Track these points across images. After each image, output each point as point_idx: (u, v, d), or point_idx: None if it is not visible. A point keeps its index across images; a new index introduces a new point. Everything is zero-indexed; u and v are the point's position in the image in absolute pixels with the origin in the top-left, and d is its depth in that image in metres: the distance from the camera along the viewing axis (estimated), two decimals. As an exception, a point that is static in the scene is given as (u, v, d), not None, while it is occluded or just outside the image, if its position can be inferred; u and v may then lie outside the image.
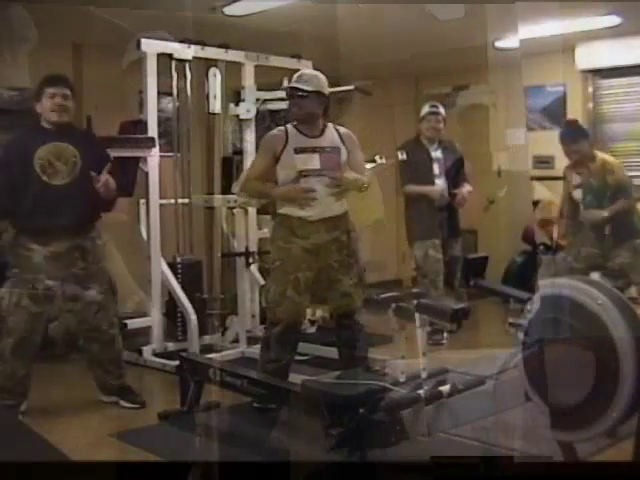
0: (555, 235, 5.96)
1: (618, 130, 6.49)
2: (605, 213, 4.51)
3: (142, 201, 4.88)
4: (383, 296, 3.03)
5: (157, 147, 4.75)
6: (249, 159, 5.09)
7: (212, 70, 5.03)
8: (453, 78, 7.26)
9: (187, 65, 4.94)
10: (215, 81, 5.04)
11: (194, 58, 4.91)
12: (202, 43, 4.90)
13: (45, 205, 3.66)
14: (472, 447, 3.09)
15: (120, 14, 4.44)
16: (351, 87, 5.09)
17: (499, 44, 5.85)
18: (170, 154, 5.13)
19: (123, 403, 3.93)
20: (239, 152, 5.29)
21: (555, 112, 6.80)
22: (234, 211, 5.02)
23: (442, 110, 5.28)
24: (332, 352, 4.35)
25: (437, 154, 5.26)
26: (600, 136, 6.53)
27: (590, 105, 6.64)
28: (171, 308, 4.95)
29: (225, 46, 5.00)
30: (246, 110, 5.04)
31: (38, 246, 3.70)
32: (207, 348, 4.89)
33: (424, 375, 2.88)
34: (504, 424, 3.13)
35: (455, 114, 6.61)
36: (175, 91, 5.00)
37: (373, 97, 5.41)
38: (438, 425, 2.85)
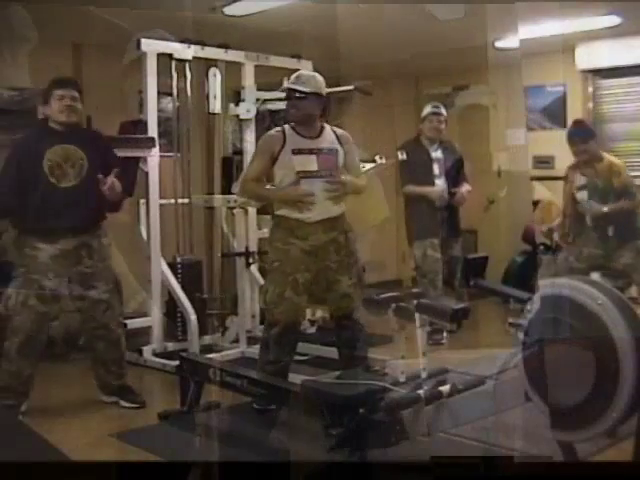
0: (555, 236, 5.96)
1: (618, 130, 6.49)
2: (605, 209, 4.50)
3: (142, 201, 4.88)
4: (383, 296, 3.03)
5: (157, 147, 4.75)
6: (249, 159, 5.09)
7: (212, 70, 5.03)
8: (453, 78, 7.26)
9: (187, 65, 4.94)
10: (215, 81, 5.04)
11: (194, 58, 4.91)
12: (202, 43, 4.90)
13: (52, 207, 3.70)
14: (472, 447, 3.09)
15: (120, 14, 4.44)
16: (351, 87, 5.09)
17: (499, 44, 5.85)
18: (170, 154, 5.13)
19: (123, 403, 3.93)
20: (239, 152, 5.29)
21: (555, 112, 6.80)
22: (234, 211, 5.02)
23: (444, 110, 5.29)
24: (332, 352, 4.35)
25: (437, 154, 5.26)
26: (600, 136, 6.52)
27: (590, 105, 6.64)
28: (171, 308, 4.95)
29: (225, 46, 5.00)
30: (246, 110, 5.04)
31: (45, 245, 3.72)
32: (207, 348, 4.89)
33: (424, 375, 2.88)
34: (504, 424, 3.13)
35: (455, 114, 6.61)
36: (175, 91, 5.00)
37: (373, 97, 5.41)
38: (438, 425, 2.85)
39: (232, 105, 5.11)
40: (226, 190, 5.14)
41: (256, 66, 5.13)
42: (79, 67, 5.60)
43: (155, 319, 4.85)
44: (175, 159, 5.14)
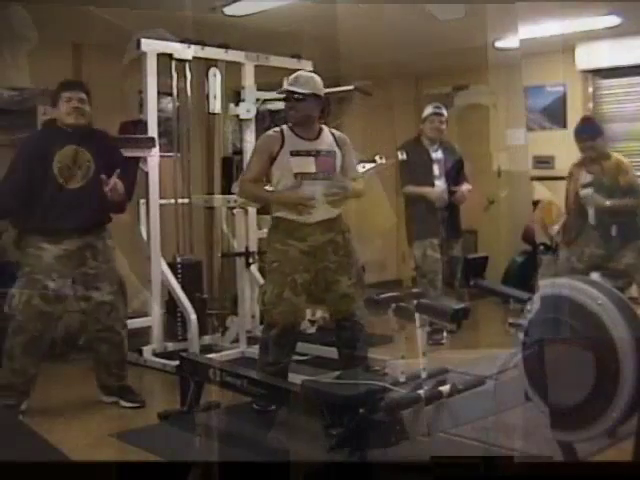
0: (559, 237, 5.96)
1: (618, 130, 6.48)
2: (608, 202, 4.49)
3: (142, 201, 4.88)
4: (383, 296, 3.03)
5: (157, 147, 4.75)
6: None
7: (212, 70, 5.03)
8: (453, 78, 7.26)
9: (187, 65, 4.94)
10: (215, 81, 5.04)
11: (194, 58, 4.91)
12: (202, 43, 4.90)
13: (59, 207, 3.71)
14: (472, 447, 3.09)
15: (120, 14, 4.44)
16: (351, 87, 5.09)
17: (499, 44, 5.85)
18: (170, 154, 5.13)
19: (123, 403, 3.94)
20: (239, 152, 5.29)
21: (555, 112, 6.80)
22: (234, 211, 5.02)
23: (445, 111, 5.29)
24: (332, 352, 4.35)
25: (437, 155, 5.26)
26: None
27: (590, 105, 6.64)
28: (171, 308, 4.95)
29: (225, 46, 5.00)
30: (246, 110, 5.04)
31: (49, 245, 3.73)
32: (207, 348, 4.89)
33: (424, 375, 2.89)
34: (504, 424, 3.13)
35: (455, 114, 6.61)
36: (175, 91, 5.00)
37: (373, 97, 5.41)
38: (438, 425, 2.85)
39: (232, 105, 5.11)
40: (226, 190, 5.14)
41: (256, 66, 5.13)
42: (79, 67, 5.61)
43: (155, 319, 4.85)
44: (175, 159, 5.13)
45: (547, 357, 2.62)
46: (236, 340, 5.01)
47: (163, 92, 4.92)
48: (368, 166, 4.84)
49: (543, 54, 6.15)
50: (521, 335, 2.76)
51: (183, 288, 4.84)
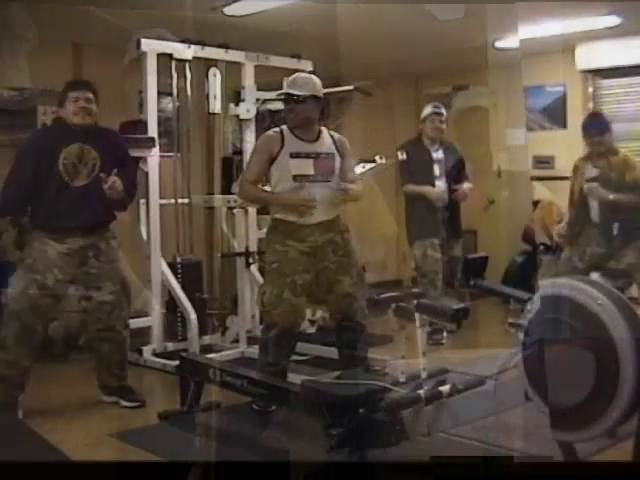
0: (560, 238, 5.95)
1: (618, 130, 6.44)
2: (612, 196, 4.48)
3: (142, 201, 4.88)
4: (383, 296, 3.03)
5: (157, 147, 4.75)
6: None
7: (212, 70, 5.03)
8: (453, 78, 7.26)
9: (187, 65, 4.94)
10: (215, 81, 5.04)
11: (194, 58, 4.91)
12: (202, 43, 4.90)
13: (63, 205, 3.72)
14: (472, 447, 3.10)
15: (120, 14, 4.44)
16: (351, 87, 5.09)
17: (499, 44, 5.86)
18: (170, 154, 5.13)
19: (123, 402, 3.93)
20: (239, 152, 5.29)
21: (555, 112, 6.80)
22: (234, 211, 5.02)
23: (444, 110, 5.29)
24: (332, 352, 4.35)
25: (438, 155, 5.26)
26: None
27: (590, 105, 6.64)
28: (171, 308, 4.95)
29: (225, 46, 5.00)
30: (246, 110, 5.03)
31: (53, 243, 3.74)
32: (207, 348, 4.89)
33: (424, 375, 2.88)
34: (504, 424, 3.13)
35: (455, 114, 6.61)
36: (175, 91, 5.00)
37: (373, 97, 5.41)
38: (438, 425, 2.85)
39: (232, 105, 5.11)
40: (226, 190, 5.14)
41: (256, 66, 5.13)
42: (79, 67, 5.61)
43: (155, 319, 4.85)
44: (175, 159, 5.14)
45: (547, 357, 2.62)
46: (236, 340, 5.01)
47: (163, 92, 4.92)
48: (368, 166, 4.84)
49: (543, 54, 6.15)
50: (521, 335, 2.76)
51: (183, 288, 4.84)
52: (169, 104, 5.13)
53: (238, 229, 5.05)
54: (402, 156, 5.24)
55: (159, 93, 4.80)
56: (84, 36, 5.44)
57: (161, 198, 4.88)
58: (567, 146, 6.35)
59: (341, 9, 4.56)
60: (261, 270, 5.13)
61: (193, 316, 4.68)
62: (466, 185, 5.27)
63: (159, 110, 4.85)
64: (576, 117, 6.63)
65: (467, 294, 5.18)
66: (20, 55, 4.98)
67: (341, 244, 3.77)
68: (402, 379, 2.95)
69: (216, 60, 5.03)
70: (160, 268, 4.83)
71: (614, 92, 6.54)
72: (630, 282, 4.61)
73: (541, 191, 6.52)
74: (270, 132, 3.79)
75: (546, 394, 2.62)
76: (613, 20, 5.39)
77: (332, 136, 3.82)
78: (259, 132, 5.04)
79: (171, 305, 4.94)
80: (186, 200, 5.17)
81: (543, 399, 2.66)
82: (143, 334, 4.82)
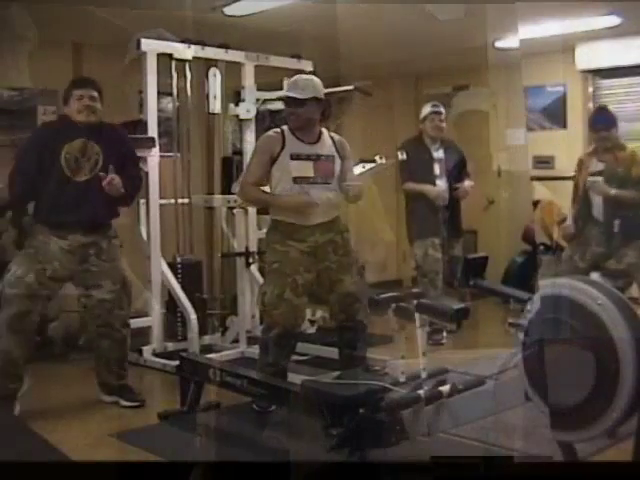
0: (556, 235, 5.95)
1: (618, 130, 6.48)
2: (612, 192, 4.47)
3: (142, 201, 4.88)
4: (383, 296, 3.03)
5: (157, 147, 4.75)
6: (249, 159, 5.09)
7: (212, 70, 5.03)
8: (453, 78, 7.26)
9: (187, 65, 4.94)
10: (215, 81, 5.04)
11: (194, 58, 4.91)
12: (202, 43, 4.90)
13: (65, 199, 3.73)
14: (472, 447, 3.09)
15: (120, 14, 4.44)
16: (351, 87, 5.09)
17: (499, 44, 5.85)
18: (170, 154, 5.13)
19: (123, 402, 3.94)
20: (239, 152, 5.29)
21: (555, 112, 6.80)
22: (234, 211, 5.02)
23: (443, 109, 5.30)
24: (332, 352, 4.35)
25: (439, 154, 5.26)
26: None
27: (590, 105, 6.64)
28: (171, 308, 4.95)
29: (225, 46, 5.00)
30: (246, 110, 5.03)
31: (56, 239, 3.75)
32: (207, 348, 4.89)
33: (424, 375, 2.88)
34: (504, 424, 3.13)
35: (455, 114, 6.61)
36: (175, 91, 5.00)
37: (373, 97, 5.41)
38: (438, 425, 2.85)
39: (232, 105, 5.11)
40: (226, 190, 5.14)
41: (256, 66, 5.13)
42: (79, 67, 5.60)
43: (155, 319, 4.85)
44: (175, 159, 5.14)
45: (547, 357, 2.62)
46: (236, 340, 5.01)
47: (163, 92, 4.92)
48: (368, 166, 4.84)
49: (543, 54, 6.15)
50: (521, 335, 2.76)
51: (183, 288, 4.84)
52: (169, 104, 5.14)
53: (238, 229, 5.05)
54: (402, 156, 5.24)
55: (159, 93, 4.80)
56: (84, 36, 5.45)
57: (161, 198, 4.88)
58: (567, 146, 6.36)
59: (341, 9, 4.56)
60: (261, 270, 5.13)
61: (193, 316, 4.68)
62: (467, 183, 5.28)
63: (159, 110, 4.85)
64: (576, 117, 6.65)
65: (468, 294, 5.18)
66: (20, 55, 4.98)
67: (341, 244, 3.77)
68: (402, 379, 2.95)
69: (216, 60, 5.03)
70: (160, 268, 4.83)
71: (614, 92, 6.54)
72: (630, 282, 4.60)
73: (541, 191, 6.52)
74: (271, 133, 3.78)
75: (546, 394, 2.62)
76: (613, 20, 5.39)
77: (332, 138, 3.82)
78: (259, 132, 5.03)
79: (171, 305, 4.94)
80: (186, 200, 5.17)
81: (543, 399, 2.65)
82: (143, 334, 4.82)
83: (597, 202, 4.58)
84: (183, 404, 3.61)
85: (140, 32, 4.63)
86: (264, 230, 5.13)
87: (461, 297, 5.10)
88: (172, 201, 5.12)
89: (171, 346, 4.83)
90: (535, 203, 6.45)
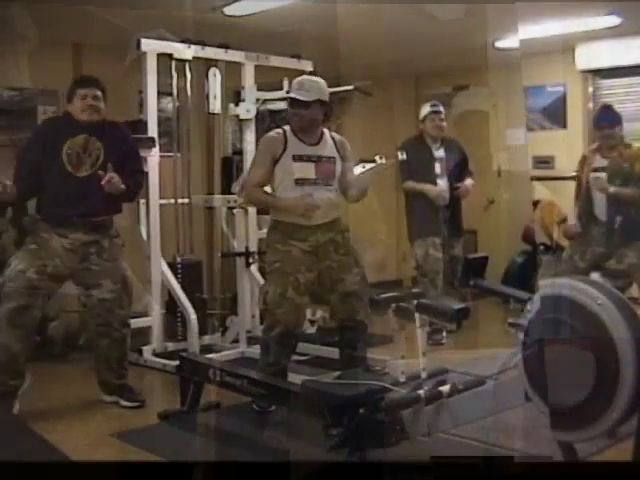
0: (556, 235, 5.94)
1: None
2: (612, 189, 4.46)
3: (142, 201, 4.88)
4: (383, 296, 3.03)
5: (157, 147, 4.75)
6: (249, 159, 5.08)
7: (212, 70, 5.03)
8: (453, 78, 7.26)
9: (187, 65, 4.94)
10: (215, 81, 5.04)
11: (194, 58, 4.91)
12: (202, 43, 4.90)
13: (66, 194, 3.73)
14: (472, 447, 3.10)
15: (120, 14, 4.44)
16: (351, 87, 5.09)
17: (499, 44, 5.85)
18: (170, 154, 5.13)
19: (123, 402, 3.93)
20: (239, 152, 5.29)
21: (555, 112, 6.80)
22: (234, 211, 5.02)
23: (442, 108, 5.30)
24: (332, 352, 4.35)
25: (439, 153, 5.26)
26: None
27: (590, 105, 6.64)
28: (171, 308, 4.95)
29: (225, 46, 5.00)
30: (246, 110, 5.03)
31: (57, 237, 3.75)
32: (207, 348, 4.89)
33: (424, 375, 2.88)
34: (504, 424, 3.13)
35: (455, 114, 6.61)
36: (175, 91, 5.00)
37: (373, 97, 5.41)
38: (438, 425, 2.85)
39: (232, 105, 5.11)
40: (226, 190, 5.14)
41: (256, 66, 5.13)
42: (79, 67, 5.60)
43: (155, 319, 4.85)
44: (175, 159, 5.14)
45: (547, 357, 2.62)
46: (236, 340, 5.01)
47: (163, 92, 4.92)
48: (368, 166, 4.83)
49: (543, 54, 6.15)
50: (521, 335, 2.76)
51: (183, 288, 4.84)
52: (169, 104, 5.14)
53: (238, 229, 5.05)
54: (402, 156, 5.23)
55: (159, 93, 4.80)
56: (84, 36, 5.44)
57: (161, 198, 4.88)
58: (567, 146, 6.36)
59: (341, 9, 4.56)
60: (261, 270, 5.13)
61: (193, 316, 4.68)
62: (468, 182, 5.28)
63: (159, 110, 4.85)
64: (576, 117, 6.65)
65: (468, 294, 5.18)
66: (20, 55, 4.98)
67: (342, 243, 3.78)
68: (402, 379, 2.96)
69: (216, 60, 5.04)
70: (160, 268, 4.83)
71: (614, 92, 6.53)
72: (630, 282, 4.60)
73: (541, 191, 6.52)
74: (272, 134, 3.78)
75: (546, 394, 2.62)
76: (613, 20, 5.38)
77: (333, 138, 3.82)
78: (259, 132, 5.04)
79: (171, 305, 4.94)
80: (186, 200, 5.17)
81: (543, 399, 2.65)
82: (143, 334, 4.82)
83: (599, 201, 4.58)
84: (183, 404, 3.61)
85: (140, 32, 4.63)
86: (264, 230, 5.14)
87: (462, 297, 5.10)
88: (172, 201, 5.12)
89: (171, 346, 4.83)
90: (535, 203, 6.45)
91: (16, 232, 4.70)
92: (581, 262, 4.61)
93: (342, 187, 3.80)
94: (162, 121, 4.97)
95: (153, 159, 4.74)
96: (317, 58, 5.34)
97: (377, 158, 4.95)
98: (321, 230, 3.71)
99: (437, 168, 5.22)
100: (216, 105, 5.08)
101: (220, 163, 5.50)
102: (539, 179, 6.54)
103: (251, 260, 5.01)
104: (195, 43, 4.86)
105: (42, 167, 3.74)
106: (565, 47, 6.13)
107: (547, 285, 2.83)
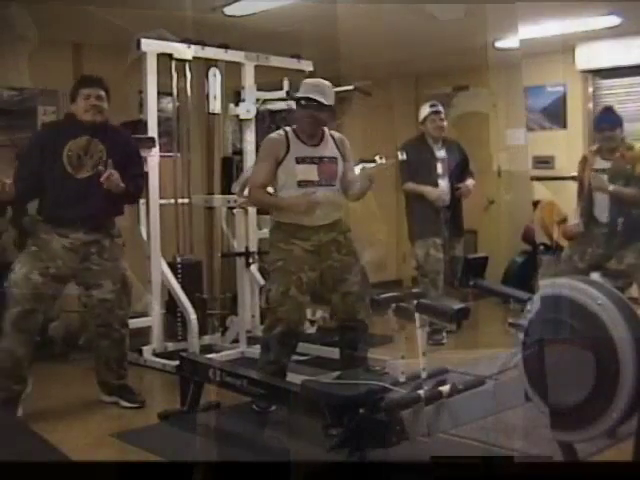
0: (556, 235, 5.93)
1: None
2: (611, 187, 4.46)
3: (142, 201, 4.88)
4: (383, 296, 3.03)
5: (157, 147, 4.75)
6: (249, 159, 5.09)
7: (212, 70, 5.03)
8: (453, 78, 7.26)
9: (187, 65, 4.94)
10: (215, 81, 5.04)
11: (194, 58, 4.91)
12: (202, 43, 4.90)
13: (66, 196, 3.73)
14: (472, 447, 3.10)
15: (120, 14, 4.43)
16: (351, 87, 5.09)
17: (499, 44, 5.85)
18: (170, 154, 5.13)
19: (123, 403, 3.94)
20: (239, 152, 5.29)
21: (555, 112, 6.79)
22: (234, 211, 5.02)
23: (442, 108, 5.29)
24: (332, 352, 4.35)
25: (441, 154, 5.26)
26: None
27: (590, 105, 6.64)
28: (171, 308, 4.95)
29: (225, 46, 5.00)
30: (246, 110, 5.04)
31: (58, 237, 3.76)
32: (207, 348, 4.89)
33: (424, 375, 2.88)
34: (504, 424, 3.13)
35: (454, 119, 6.61)
36: (175, 91, 5.00)
37: (373, 97, 5.41)
38: (438, 425, 2.85)
39: (232, 105, 5.11)
40: (226, 190, 5.14)
41: (256, 66, 5.13)
42: (79, 67, 5.60)
43: (155, 319, 4.85)
44: (175, 159, 5.14)
45: (547, 357, 2.62)
46: (236, 340, 5.01)
47: (163, 92, 4.92)
48: (368, 166, 4.83)
49: (543, 54, 6.15)
50: (521, 335, 2.76)
51: (183, 288, 4.84)
52: (169, 104, 5.14)
53: (238, 229, 5.05)
54: (402, 156, 5.22)
55: (159, 93, 4.80)
56: (84, 36, 5.44)
57: (161, 198, 4.88)
58: (567, 146, 6.36)
59: (341, 9, 4.56)
60: (261, 270, 5.14)
61: (193, 316, 4.68)
62: (470, 182, 5.28)
63: (159, 110, 4.85)
64: (576, 117, 6.65)
65: (469, 294, 5.18)
66: (20, 55, 4.98)
67: (344, 243, 3.78)
68: (402, 379, 2.96)
69: (216, 60, 5.04)
70: (160, 268, 4.83)
71: (614, 92, 6.53)
72: (630, 282, 4.60)
73: (541, 191, 6.52)
74: (275, 135, 3.77)
75: (546, 394, 2.62)
76: (613, 20, 5.38)
77: (333, 137, 3.82)
78: (259, 132, 5.04)
79: (171, 305, 4.94)
80: (186, 200, 5.17)
81: (543, 399, 2.65)
82: (143, 334, 4.82)
83: (599, 201, 4.57)
84: (183, 404, 3.61)
85: (140, 32, 4.63)
86: (264, 230, 5.15)
87: (463, 297, 5.10)
88: (172, 201, 5.12)
89: (171, 346, 4.83)
90: (535, 203, 6.45)
91: (16, 232, 4.70)
92: (580, 262, 4.61)
93: (344, 185, 3.81)
94: (162, 121, 4.97)
95: (153, 159, 4.74)
96: (317, 58, 5.34)
97: (377, 158, 4.95)
98: (323, 230, 3.72)
99: (439, 168, 5.22)
100: (216, 105, 5.08)
101: (220, 163, 5.51)
102: (539, 179, 6.54)
103: (251, 260, 5.01)
104: (195, 43, 4.86)
105: (43, 169, 3.74)
106: (565, 47, 6.13)
107: (547, 285, 2.83)
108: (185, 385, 3.62)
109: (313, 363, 4.59)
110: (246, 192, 4.67)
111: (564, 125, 6.74)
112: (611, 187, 4.45)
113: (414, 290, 3.29)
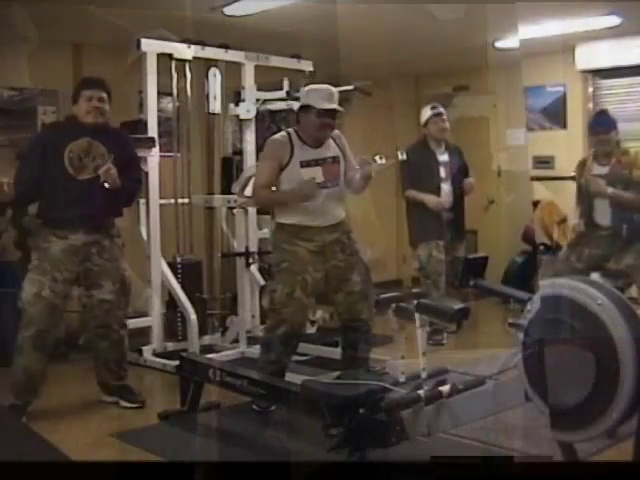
0: (556, 235, 5.94)
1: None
2: (610, 190, 4.46)
3: (142, 201, 4.88)
4: (383, 296, 3.03)
5: (157, 147, 4.75)
6: (249, 159, 5.10)
7: (212, 70, 5.03)
8: (453, 78, 7.26)
9: (187, 65, 4.94)
10: (215, 81, 5.04)
11: (194, 58, 4.91)
12: (202, 43, 4.90)
13: (66, 197, 3.73)
14: (472, 447, 3.10)
15: (120, 14, 4.44)
16: (351, 87, 5.09)
17: (499, 44, 5.85)
18: (170, 154, 5.13)
19: (123, 403, 3.94)
20: (239, 152, 5.29)
21: (555, 112, 6.79)
22: (234, 211, 5.02)
23: (443, 109, 5.29)
24: (332, 352, 4.35)
25: (444, 157, 5.25)
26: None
27: (590, 105, 6.64)
28: (171, 308, 4.95)
29: (225, 46, 5.00)
30: (246, 110, 5.03)
31: (56, 239, 3.75)
32: (207, 348, 4.89)
33: (424, 375, 2.88)
34: (504, 424, 3.13)
35: (455, 115, 6.60)
36: (175, 91, 5.00)
37: (373, 97, 5.41)
38: (438, 425, 2.85)
39: (232, 105, 5.11)
40: (226, 190, 5.14)
41: (256, 66, 5.13)
42: (79, 67, 5.60)
43: (155, 319, 4.85)
44: (175, 159, 5.14)
45: (547, 357, 2.62)
46: (236, 340, 5.01)
47: (163, 92, 4.92)
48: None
49: (543, 54, 6.15)
50: (521, 335, 2.76)
51: (183, 288, 4.84)
52: (169, 104, 5.14)
53: (238, 229, 5.05)
54: (402, 157, 5.21)
55: (159, 93, 4.80)
56: (84, 36, 5.44)
57: (161, 198, 4.88)
58: (567, 146, 6.36)
59: (341, 9, 4.56)
60: (261, 270, 5.14)
61: (193, 316, 4.68)
62: (471, 179, 5.28)
63: (159, 110, 4.85)
64: (576, 117, 6.65)
65: (470, 294, 5.17)
66: (20, 55, 4.98)
67: (348, 244, 3.78)
68: (402, 379, 2.96)
69: (216, 60, 5.04)
70: (160, 268, 4.83)
71: (614, 92, 6.53)
72: (630, 282, 4.60)
73: (541, 191, 6.52)
74: (279, 137, 3.76)
75: (546, 394, 2.62)
76: (613, 20, 5.38)
77: (331, 136, 3.82)
78: (259, 132, 5.04)
79: (171, 305, 4.94)
80: (186, 200, 5.17)
81: (543, 399, 2.66)
82: (143, 334, 4.82)
83: (599, 206, 4.57)
84: (183, 404, 3.61)
85: (140, 32, 4.63)
86: (264, 230, 5.15)
87: (464, 298, 5.10)
88: (172, 201, 5.12)
89: (171, 346, 4.83)
90: (535, 203, 6.45)
91: (16, 232, 4.70)
92: (578, 263, 4.61)
93: (346, 181, 3.81)
94: (162, 121, 4.97)
95: (153, 159, 4.74)
96: (317, 58, 5.34)
97: (377, 158, 4.95)
98: (327, 230, 3.72)
99: (442, 172, 5.20)
100: (216, 105, 5.08)
101: (220, 163, 5.51)
102: (539, 179, 6.54)
103: (251, 260, 5.01)
104: (195, 43, 4.86)
105: (44, 171, 3.74)
106: (565, 47, 6.13)
107: (547, 285, 2.83)
108: (185, 385, 3.62)
109: (313, 363, 4.59)
110: (247, 192, 4.69)
111: (564, 125, 6.74)
112: (610, 190, 4.45)
113: (414, 290, 3.30)
